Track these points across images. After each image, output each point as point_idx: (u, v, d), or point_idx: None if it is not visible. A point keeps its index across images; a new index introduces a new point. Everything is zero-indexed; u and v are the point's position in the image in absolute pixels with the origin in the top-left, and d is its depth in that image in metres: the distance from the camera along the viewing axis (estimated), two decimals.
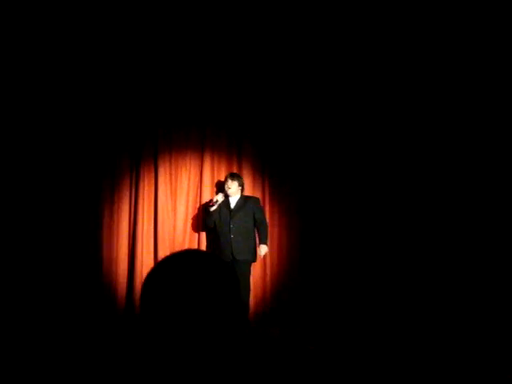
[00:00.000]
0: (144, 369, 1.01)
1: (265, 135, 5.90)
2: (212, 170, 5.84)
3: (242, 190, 5.42)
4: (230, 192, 5.32)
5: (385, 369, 3.30)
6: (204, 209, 5.60)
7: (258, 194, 5.75)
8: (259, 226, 5.32)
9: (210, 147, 5.85)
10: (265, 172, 5.93)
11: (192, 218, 5.75)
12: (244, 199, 5.38)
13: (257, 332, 5.09)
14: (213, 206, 5.30)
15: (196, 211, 5.76)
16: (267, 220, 5.49)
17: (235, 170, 5.77)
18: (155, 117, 5.76)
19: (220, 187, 5.63)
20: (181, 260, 1.07)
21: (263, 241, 5.29)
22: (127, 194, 5.71)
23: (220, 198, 5.29)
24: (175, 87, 5.76)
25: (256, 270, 5.68)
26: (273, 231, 5.77)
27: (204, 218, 5.57)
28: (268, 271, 5.78)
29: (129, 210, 5.69)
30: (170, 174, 5.77)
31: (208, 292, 1.02)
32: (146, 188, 5.73)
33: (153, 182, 5.74)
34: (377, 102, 5.75)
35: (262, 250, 5.28)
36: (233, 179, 5.34)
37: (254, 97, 5.86)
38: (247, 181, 5.75)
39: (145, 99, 5.72)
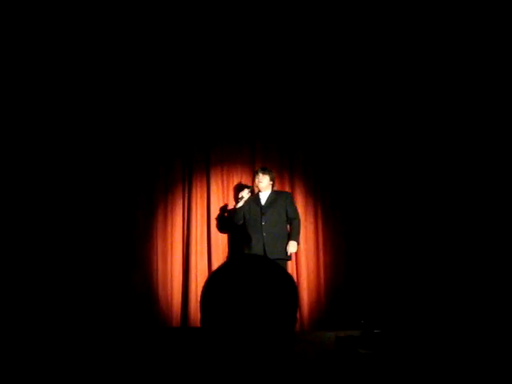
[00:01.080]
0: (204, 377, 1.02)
1: (317, 153, 5.87)
2: None
3: (273, 185, 5.23)
4: (260, 187, 5.11)
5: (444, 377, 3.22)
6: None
7: (310, 209, 5.75)
8: (292, 221, 5.08)
9: (261, 163, 5.86)
10: (317, 190, 5.89)
11: None
12: (275, 194, 5.17)
13: (311, 336, 5.06)
14: (238, 202, 5.12)
15: None
16: (300, 216, 5.27)
17: (287, 187, 5.78)
18: (207, 129, 5.86)
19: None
20: (240, 265, 1.09)
21: (294, 237, 5.03)
22: (180, 202, 5.82)
23: (245, 194, 5.08)
24: (227, 101, 5.86)
25: (310, 274, 5.67)
26: (327, 238, 5.79)
27: (231, 217, 5.42)
28: (322, 275, 5.74)
29: (182, 216, 5.79)
30: (222, 184, 5.84)
31: (267, 298, 1.02)
32: (199, 195, 5.82)
33: (205, 189, 5.83)
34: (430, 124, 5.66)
35: (291, 246, 4.99)
36: (264, 173, 5.11)
37: (304, 116, 5.88)
38: (299, 198, 5.77)
39: (198, 111, 5.84)
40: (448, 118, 5.60)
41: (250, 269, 1.06)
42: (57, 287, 5.22)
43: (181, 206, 5.81)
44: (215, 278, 1.07)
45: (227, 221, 5.64)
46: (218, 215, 5.77)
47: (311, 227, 5.79)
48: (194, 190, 5.82)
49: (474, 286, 5.22)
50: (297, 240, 5.08)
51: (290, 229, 5.11)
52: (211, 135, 5.87)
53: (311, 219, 5.80)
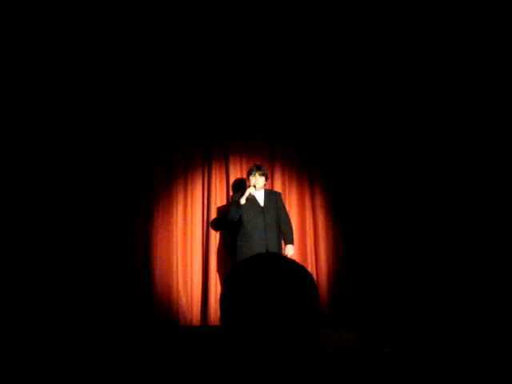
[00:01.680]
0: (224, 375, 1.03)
1: (335, 151, 5.86)
2: (283, 182, 5.84)
3: (266, 184, 5.25)
4: (257, 187, 5.11)
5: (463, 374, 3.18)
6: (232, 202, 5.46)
7: (329, 207, 5.81)
8: (284, 223, 5.12)
9: (281, 164, 5.87)
10: (336, 189, 5.88)
11: None
12: (269, 193, 5.23)
13: (331, 334, 5.05)
14: (246, 198, 5.05)
15: None
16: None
17: (306, 185, 5.82)
18: (227, 121, 5.86)
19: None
20: (259, 263, 1.08)
21: (291, 241, 5.11)
22: (200, 194, 5.82)
23: (253, 191, 5.06)
24: (249, 96, 5.88)
25: (330, 272, 5.68)
26: (347, 235, 5.79)
27: (228, 212, 5.28)
28: (342, 272, 5.71)
29: (202, 208, 5.79)
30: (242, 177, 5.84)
31: (287, 296, 1.02)
32: (219, 189, 5.82)
33: (224, 182, 5.84)
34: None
35: (291, 250, 5.06)
36: (261, 174, 5.11)
37: (322, 116, 5.88)
38: (318, 197, 5.79)
39: (218, 103, 5.85)
40: (464, 121, 5.56)
41: (270, 267, 1.06)
42: (72, 283, 5.22)
43: (200, 200, 5.80)
44: (234, 276, 1.07)
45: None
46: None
47: (330, 225, 5.81)
48: (213, 178, 5.81)
49: (499, 283, 5.16)
50: (293, 243, 5.16)
51: (284, 231, 5.13)
52: (231, 128, 5.87)
53: (330, 217, 5.81)
